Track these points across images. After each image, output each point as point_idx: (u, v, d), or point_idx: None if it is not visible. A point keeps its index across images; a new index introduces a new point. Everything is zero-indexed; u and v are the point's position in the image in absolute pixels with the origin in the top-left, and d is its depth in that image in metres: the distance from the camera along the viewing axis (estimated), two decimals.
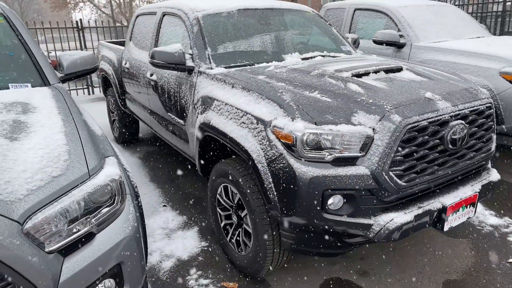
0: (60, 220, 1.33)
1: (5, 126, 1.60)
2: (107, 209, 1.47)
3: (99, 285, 1.44)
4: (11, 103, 1.88)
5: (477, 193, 2.23)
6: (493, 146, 2.43)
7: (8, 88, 2.19)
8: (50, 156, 1.43)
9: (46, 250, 1.28)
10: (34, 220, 1.26)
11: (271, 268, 2.27)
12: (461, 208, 2.16)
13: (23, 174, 1.33)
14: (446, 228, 2.12)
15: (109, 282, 1.47)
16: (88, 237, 1.40)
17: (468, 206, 2.21)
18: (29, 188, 1.30)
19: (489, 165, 2.54)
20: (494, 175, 2.42)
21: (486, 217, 3.07)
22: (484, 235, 2.84)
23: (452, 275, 2.43)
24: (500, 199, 3.35)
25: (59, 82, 2.39)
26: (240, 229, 2.43)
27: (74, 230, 1.37)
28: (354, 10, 5.43)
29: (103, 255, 1.40)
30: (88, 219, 1.41)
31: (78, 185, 1.41)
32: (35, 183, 1.32)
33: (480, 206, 3.21)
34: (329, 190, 1.89)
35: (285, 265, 2.51)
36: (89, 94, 8.78)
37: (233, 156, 2.51)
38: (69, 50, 8.10)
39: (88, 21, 9.00)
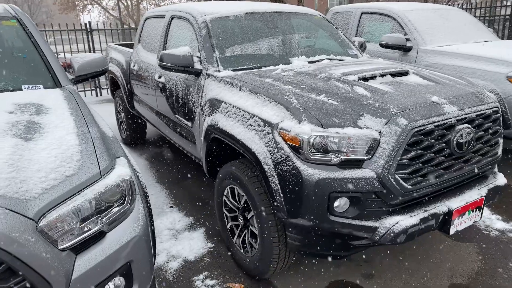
0: (72, 218, 1.36)
1: (19, 126, 1.65)
2: (117, 208, 1.51)
3: (109, 283, 1.47)
4: (24, 104, 1.92)
5: (483, 197, 2.23)
6: (500, 150, 2.43)
7: (21, 89, 2.24)
8: (63, 156, 1.47)
9: (59, 247, 1.32)
10: (48, 218, 1.30)
11: (276, 270, 2.29)
12: (467, 212, 2.17)
13: (38, 173, 1.37)
14: (452, 232, 2.13)
15: (119, 280, 1.51)
16: (99, 236, 1.44)
17: (474, 210, 2.21)
18: (43, 187, 1.33)
19: (496, 169, 2.54)
20: (500, 180, 2.42)
21: (492, 221, 3.07)
22: (491, 240, 2.83)
23: (458, 279, 2.43)
24: (507, 203, 3.34)
25: (71, 84, 2.44)
26: (246, 231, 2.46)
27: (86, 229, 1.40)
28: (361, 14, 5.45)
29: (113, 254, 1.44)
30: (99, 218, 1.44)
31: (90, 184, 1.44)
32: (49, 182, 1.36)
33: (487, 211, 3.20)
34: (335, 193, 1.90)
35: (291, 267, 2.53)
36: (97, 95, 8.87)
37: (240, 158, 2.53)
38: (78, 51, 8.20)
39: (97, 23, 9.12)
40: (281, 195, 2.02)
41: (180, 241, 2.91)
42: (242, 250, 2.51)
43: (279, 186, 2.02)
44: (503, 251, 2.69)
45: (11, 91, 2.21)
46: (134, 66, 4.36)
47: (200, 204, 3.50)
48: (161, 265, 2.63)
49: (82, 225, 1.39)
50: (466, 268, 2.54)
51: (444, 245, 2.78)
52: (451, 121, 2.08)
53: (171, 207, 3.46)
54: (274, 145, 2.05)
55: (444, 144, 2.07)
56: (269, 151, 2.07)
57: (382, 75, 2.50)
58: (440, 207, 2.08)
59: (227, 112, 2.47)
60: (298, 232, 2.04)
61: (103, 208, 1.46)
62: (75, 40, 8.16)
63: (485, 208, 2.52)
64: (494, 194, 2.35)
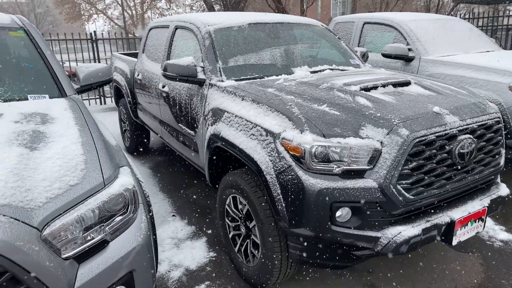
0: (76, 227, 1.38)
1: (25, 136, 1.67)
2: (120, 217, 1.52)
3: None
4: (30, 114, 1.95)
5: (486, 208, 2.22)
6: (502, 160, 2.43)
7: (27, 99, 2.28)
8: (68, 166, 1.49)
9: (62, 256, 1.33)
10: (52, 227, 1.31)
11: (278, 280, 2.29)
12: (469, 223, 2.16)
13: (43, 182, 1.39)
14: (454, 243, 2.12)
15: None
16: (102, 245, 1.45)
17: (477, 220, 2.20)
18: (48, 196, 1.35)
19: (498, 180, 2.53)
20: (503, 190, 2.42)
21: (496, 232, 3.05)
22: (494, 250, 2.81)
23: None
24: (510, 214, 3.32)
25: (75, 94, 2.47)
26: (248, 240, 2.46)
27: (89, 238, 1.42)
28: (363, 24, 5.49)
29: (116, 263, 1.45)
30: (102, 227, 1.46)
31: (94, 193, 1.46)
32: (53, 192, 1.37)
33: (490, 221, 3.18)
34: (337, 202, 1.91)
35: (292, 277, 2.52)
36: (101, 104, 8.94)
37: (242, 167, 2.55)
38: (83, 60, 8.29)
39: (102, 33, 9.22)
40: (283, 204, 2.02)
41: (182, 250, 2.91)
42: (244, 260, 2.51)
43: (281, 196, 2.03)
44: (507, 262, 2.67)
45: (17, 100, 2.25)
46: (138, 75, 4.40)
47: (202, 213, 3.50)
48: (163, 274, 2.63)
49: (85, 234, 1.41)
50: (470, 279, 2.52)
51: (447, 256, 2.76)
52: (453, 131, 2.08)
53: (174, 216, 3.47)
54: (276, 154, 2.06)
55: (446, 154, 2.07)
56: (271, 161, 2.09)
57: (384, 85, 2.51)
58: (443, 218, 2.07)
59: (229, 122, 2.49)
60: (300, 242, 2.04)
61: (106, 217, 1.47)
62: (80, 49, 8.26)
63: (488, 218, 2.51)
64: (497, 205, 2.34)
